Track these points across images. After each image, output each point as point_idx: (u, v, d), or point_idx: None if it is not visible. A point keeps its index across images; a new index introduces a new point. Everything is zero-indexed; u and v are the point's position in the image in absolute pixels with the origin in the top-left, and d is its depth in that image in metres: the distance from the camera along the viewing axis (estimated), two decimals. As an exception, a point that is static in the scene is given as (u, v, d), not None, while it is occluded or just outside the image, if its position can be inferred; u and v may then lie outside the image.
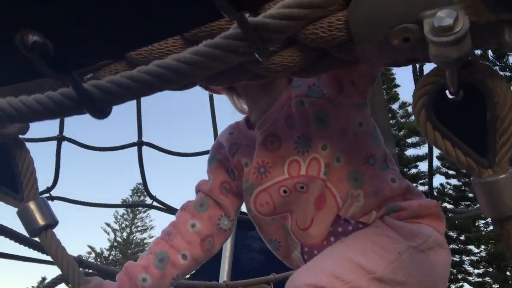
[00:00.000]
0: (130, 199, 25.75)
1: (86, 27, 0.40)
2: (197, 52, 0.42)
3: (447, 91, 0.64)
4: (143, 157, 2.95)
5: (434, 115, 0.64)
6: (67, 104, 0.46)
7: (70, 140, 2.65)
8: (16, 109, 0.47)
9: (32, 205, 0.83)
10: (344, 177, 1.05)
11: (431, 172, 3.22)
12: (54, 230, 0.86)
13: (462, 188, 17.96)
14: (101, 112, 0.45)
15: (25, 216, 0.83)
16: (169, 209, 2.77)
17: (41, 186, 2.66)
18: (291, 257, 1.19)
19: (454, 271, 16.77)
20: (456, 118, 0.64)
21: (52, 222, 0.84)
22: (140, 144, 2.64)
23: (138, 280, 1.13)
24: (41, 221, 0.83)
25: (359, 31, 0.64)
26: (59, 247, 0.84)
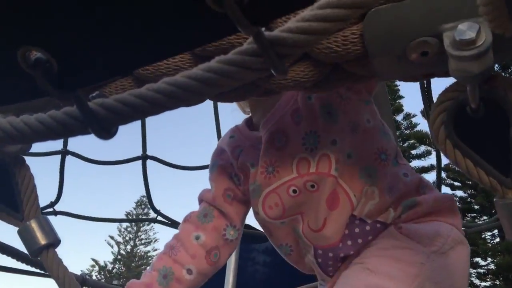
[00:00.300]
0: (134, 212, 25.68)
1: (91, 44, 0.37)
2: (209, 68, 0.40)
3: (467, 107, 0.61)
4: (148, 171, 2.94)
5: (454, 132, 0.62)
6: (72, 124, 0.43)
7: (74, 154, 2.63)
8: (17, 130, 0.45)
9: (33, 224, 0.80)
10: (357, 174, 1.01)
11: (440, 182, 3.17)
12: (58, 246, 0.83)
13: (468, 200, 17.83)
14: (107, 132, 0.43)
15: (25, 236, 0.80)
16: (173, 223, 2.73)
17: (45, 201, 2.63)
18: (304, 262, 1.14)
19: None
20: (478, 135, 0.61)
21: (54, 241, 0.81)
22: (144, 158, 2.62)
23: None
24: (42, 240, 0.80)
25: (375, 45, 0.62)
26: (60, 267, 0.81)
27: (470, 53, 0.54)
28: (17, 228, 0.82)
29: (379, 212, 1.01)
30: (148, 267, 1.17)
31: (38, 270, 1.70)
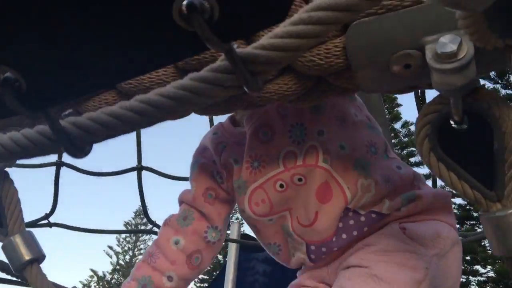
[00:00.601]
0: (133, 222, 25.58)
1: (60, 63, 0.37)
2: (182, 86, 0.39)
3: (451, 120, 0.61)
4: (146, 181, 2.93)
5: (438, 145, 0.61)
6: (44, 143, 0.42)
7: (69, 166, 2.61)
8: (-10, 148, 0.44)
9: (17, 239, 0.79)
10: (351, 166, 0.97)
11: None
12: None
13: (467, 207, 17.79)
14: (80, 151, 0.42)
15: (9, 251, 0.79)
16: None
17: (40, 213, 2.62)
18: (292, 260, 1.09)
19: (461, 292, 16.50)
20: (462, 148, 0.61)
21: (38, 257, 0.80)
22: (139, 169, 2.60)
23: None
24: (26, 256, 0.79)
25: (358, 58, 0.61)
26: (44, 283, 0.80)
27: (452, 66, 0.54)
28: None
29: (374, 203, 0.98)
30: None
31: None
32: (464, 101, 0.58)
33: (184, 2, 0.34)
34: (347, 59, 0.62)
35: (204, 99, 0.39)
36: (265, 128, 1.02)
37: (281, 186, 1.00)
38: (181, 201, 1.17)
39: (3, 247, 0.79)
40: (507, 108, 0.58)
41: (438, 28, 0.57)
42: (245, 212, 1.07)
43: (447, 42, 0.54)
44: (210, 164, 1.14)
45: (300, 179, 0.99)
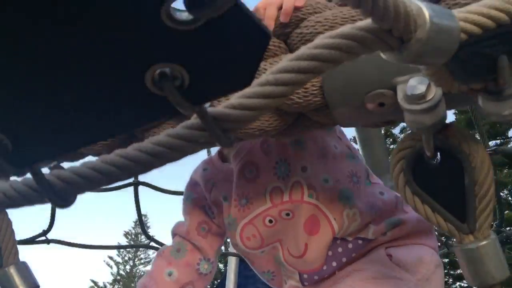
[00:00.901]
0: (133, 231, 25.54)
1: (42, 124, 0.39)
2: (159, 142, 0.42)
3: (424, 156, 0.63)
4: (143, 195, 2.96)
5: (412, 180, 0.64)
6: (30, 194, 0.45)
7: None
8: (-21, 198, 0.46)
9: (11, 270, 0.81)
10: (336, 198, 1.01)
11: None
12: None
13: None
14: (64, 201, 0.45)
15: (4, 282, 0.81)
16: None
17: (38, 229, 2.64)
18: (285, 286, 1.12)
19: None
20: (435, 182, 0.63)
21: (33, 287, 0.83)
22: (136, 184, 2.62)
23: None
24: (21, 286, 0.81)
25: (334, 97, 0.64)
26: (40, 313, 0.82)
27: (421, 107, 0.57)
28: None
29: (360, 230, 1.02)
30: None
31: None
32: (435, 137, 0.61)
33: (157, 71, 0.36)
34: (324, 97, 0.64)
35: (179, 154, 0.42)
36: (251, 166, 1.06)
37: (270, 221, 1.04)
38: (174, 233, 1.21)
39: (-3, 279, 0.81)
40: (476, 145, 0.60)
41: (409, 70, 0.60)
42: (238, 246, 1.11)
43: (416, 84, 0.57)
44: (202, 199, 1.17)
45: (288, 214, 1.03)
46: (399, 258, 1.00)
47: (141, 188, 2.71)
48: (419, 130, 0.60)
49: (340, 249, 1.03)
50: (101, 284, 24.61)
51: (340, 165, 1.05)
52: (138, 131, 0.74)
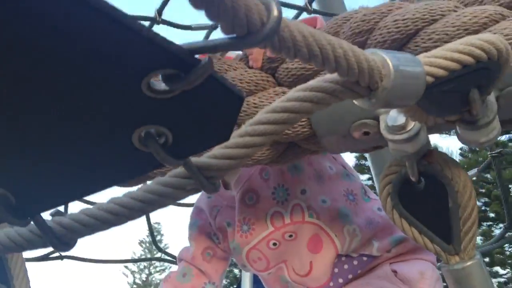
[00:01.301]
0: (147, 239, 25.67)
1: (41, 179, 0.43)
2: (150, 190, 0.45)
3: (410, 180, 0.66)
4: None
5: (399, 203, 0.66)
6: (35, 240, 0.49)
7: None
8: (-12, 245, 0.50)
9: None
10: (336, 216, 1.06)
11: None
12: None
13: (483, 208, 17.61)
14: (66, 246, 0.48)
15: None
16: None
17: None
18: None
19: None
20: (421, 205, 0.66)
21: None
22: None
23: None
24: (34, 315, 0.85)
25: (321, 127, 0.67)
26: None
27: (402, 137, 0.60)
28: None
29: (363, 245, 1.07)
30: None
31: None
32: (419, 163, 0.64)
33: (143, 132, 0.40)
34: (312, 128, 0.68)
35: (169, 200, 0.46)
36: (250, 193, 1.11)
37: (274, 244, 1.09)
38: (180, 259, 1.26)
39: (11, 308, 0.85)
40: (457, 170, 0.63)
41: (390, 100, 0.62)
42: (246, 267, 1.16)
43: (396, 116, 0.60)
44: (207, 225, 1.22)
45: (290, 235, 1.07)
46: (403, 274, 1.05)
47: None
48: (403, 158, 0.63)
49: (346, 266, 1.07)
50: (118, 293, 24.69)
51: (336, 185, 1.09)
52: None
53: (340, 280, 1.07)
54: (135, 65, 0.35)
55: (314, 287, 1.10)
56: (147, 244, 25.55)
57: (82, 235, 0.48)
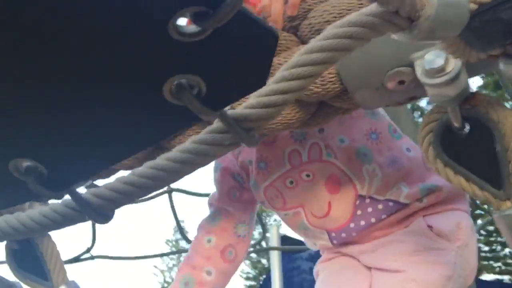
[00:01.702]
0: (173, 238, 25.90)
1: (73, 147, 0.41)
2: (186, 150, 0.43)
3: (452, 127, 0.63)
4: (178, 201, 3.00)
5: (442, 151, 0.63)
6: (71, 214, 0.47)
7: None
8: (24, 225, 0.49)
9: (63, 291, 0.84)
10: (353, 155, 1.03)
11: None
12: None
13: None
14: (104, 218, 0.46)
15: (58, 302, 0.84)
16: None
17: (82, 247, 2.71)
18: (316, 246, 1.17)
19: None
20: (466, 152, 0.62)
21: (86, 304, 0.86)
22: (170, 191, 2.66)
23: None
24: (74, 305, 0.84)
25: (352, 81, 0.64)
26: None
27: (442, 80, 0.56)
28: None
29: (387, 187, 1.02)
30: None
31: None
32: (462, 108, 0.60)
33: (174, 83, 0.37)
34: (342, 83, 0.65)
35: (208, 158, 0.43)
36: None
37: (291, 182, 1.07)
38: (210, 204, 1.26)
39: (51, 300, 0.84)
40: (503, 111, 0.59)
41: (424, 44, 0.59)
42: (265, 204, 1.15)
43: (434, 58, 0.57)
44: (230, 166, 1.21)
45: (308, 175, 1.05)
46: (439, 228, 1.01)
47: (176, 195, 2.76)
48: (443, 103, 0.59)
49: (369, 209, 1.03)
50: (149, 293, 24.99)
51: (358, 124, 1.05)
52: (164, 142, 0.76)
53: (362, 223, 1.04)
54: (161, 5, 0.33)
55: (333, 228, 1.07)
56: (174, 242, 25.77)
57: (119, 204, 0.46)
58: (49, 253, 0.84)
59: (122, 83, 0.37)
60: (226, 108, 0.42)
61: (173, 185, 2.76)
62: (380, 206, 1.03)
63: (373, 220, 1.03)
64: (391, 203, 1.03)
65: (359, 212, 1.04)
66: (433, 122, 0.64)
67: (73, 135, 0.40)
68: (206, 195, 2.86)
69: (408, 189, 1.03)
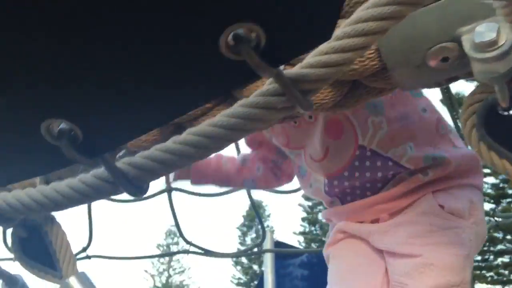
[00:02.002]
0: (165, 242, 25.74)
1: (112, 107, 0.37)
2: (233, 114, 0.39)
3: (498, 107, 0.59)
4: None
5: (486, 134, 0.60)
6: (103, 186, 0.43)
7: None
8: (49, 198, 0.44)
9: (72, 281, 0.80)
10: (362, 105, 0.98)
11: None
12: None
13: (501, 185, 17.42)
14: (139, 190, 0.42)
15: (67, 294, 0.80)
16: (207, 252, 2.72)
17: (78, 247, 2.65)
18: (309, 190, 1.17)
19: (506, 272, 16.10)
20: (512, 134, 0.59)
21: (96, 297, 0.81)
22: (169, 190, 2.61)
23: (221, 160, 1.27)
24: (84, 297, 0.79)
25: (393, 58, 0.60)
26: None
27: (494, 54, 0.53)
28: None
29: (392, 143, 0.99)
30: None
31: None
32: (509, 86, 0.57)
33: (231, 35, 0.34)
34: (381, 60, 0.61)
35: (258, 124, 0.39)
36: None
37: (295, 121, 1.07)
38: (243, 159, 1.34)
39: (60, 291, 0.79)
40: (555, 89, 0.56)
41: (473, 17, 0.56)
42: (272, 139, 1.18)
43: (485, 31, 0.53)
44: None
45: (310, 117, 1.03)
46: (451, 207, 0.98)
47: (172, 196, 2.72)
48: (491, 80, 0.56)
49: (367, 163, 1.01)
50: (140, 297, 24.88)
51: None
52: (187, 122, 0.72)
53: (356, 174, 1.02)
54: None
55: (328, 174, 1.06)
56: (165, 247, 25.62)
57: (156, 175, 0.42)
58: (59, 242, 0.80)
59: (177, 31, 0.33)
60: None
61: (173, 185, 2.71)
62: (378, 163, 1.00)
63: (368, 174, 1.01)
64: (390, 163, 1.00)
65: (356, 163, 1.02)
66: (477, 102, 0.60)
67: (115, 95, 0.36)
68: (206, 195, 2.83)
69: (413, 151, 0.99)
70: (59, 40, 0.32)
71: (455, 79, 0.64)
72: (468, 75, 0.62)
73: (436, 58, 0.59)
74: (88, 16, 0.31)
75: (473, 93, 0.60)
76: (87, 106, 0.37)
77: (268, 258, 3.64)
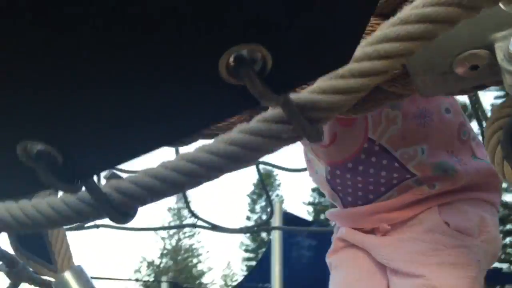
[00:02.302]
0: (176, 206, 26.08)
1: (101, 130, 0.32)
2: (231, 141, 0.34)
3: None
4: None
5: (513, 152, 0.54)
6: (85, 210, 0.38)
7: (109, 167, 2.64)
8: (29, 217, 0.40)
9: (67, 275, 0.77)
10: None
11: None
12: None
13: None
14: (124, 216, 0.38)
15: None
16: (214, 227, 2.71)
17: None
18: (315, 176, 1.11)
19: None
20: (543, 154, 0.54)
21: (90, 291, 0.79)
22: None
23: None
24: (78, 291, 0.77)
25: (417, 64, 0.55)
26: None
27: (530, 67, 0.47)
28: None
29: (403, 141, 0.93)
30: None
31: None
32: (544, 101, 0.51)
33: (232, 56, 0.28)
34: (405, 65, 0.55)
35: (258, 154, 0.34)
36: None
37: None
38: None
39: (54, 285, 0.77)
40: None
41: (509, 23, 0.50)
42: None
43: (523, 40, 0.47)
44: None
45: None
46: (458, 224, 0.92)
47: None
48: (524, 94, 0.50)
49: (373, 159, 0.96)
50: (149, 259, 25.40)
51: None
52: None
53: (360, 168, 0.97)
54: None
55: (331, 161, 1.01)
56: (176, 211, 25.98)
57: (144, 202, 0.37)
58: (55, 235, 0.77)
59: (171, 51, 0.28)
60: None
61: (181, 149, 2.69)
62: (384, 161, 0.95)
63: (371, 170, 0.96)
64: (396, 164, 0.94)
65: (362, 156, 0.96)
66: (505, 117, 0.55)
67: (101, 116, 0.31)
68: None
69: (425, 156, 0.93)
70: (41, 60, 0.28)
71: (482, 87, 0.58)
72: (497, 83, 0.57)
73: (464, 66, 0.53)
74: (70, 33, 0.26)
75: (501, 107, 0.55)
76: (68, 128, 0.32)
77: (275, 234, 3.68)
